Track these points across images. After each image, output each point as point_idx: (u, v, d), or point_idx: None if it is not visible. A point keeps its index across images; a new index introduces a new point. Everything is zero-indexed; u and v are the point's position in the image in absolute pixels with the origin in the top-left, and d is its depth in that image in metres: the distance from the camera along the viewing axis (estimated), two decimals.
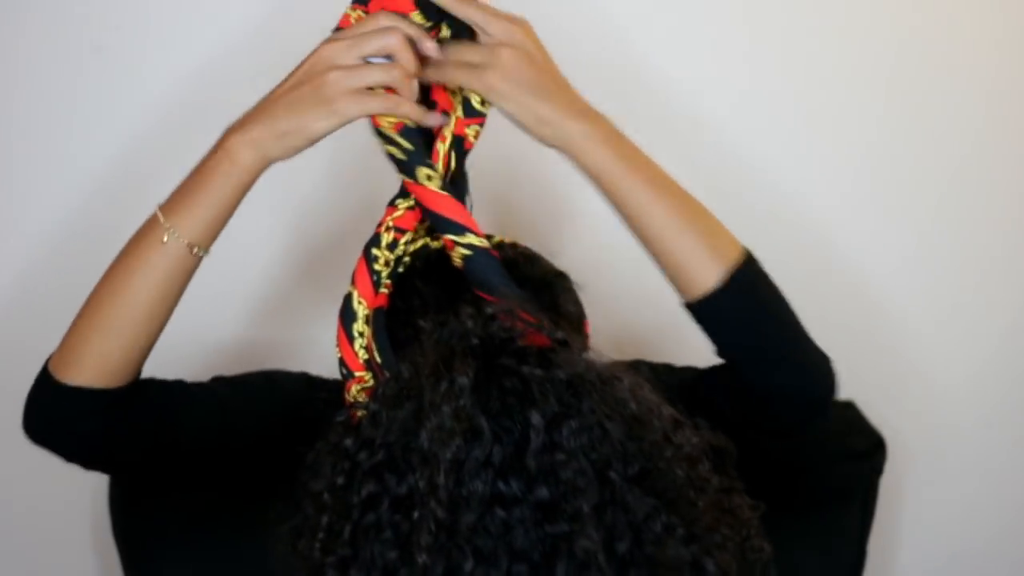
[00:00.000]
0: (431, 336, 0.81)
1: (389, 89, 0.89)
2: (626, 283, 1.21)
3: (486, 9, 0.90)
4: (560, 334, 0.81)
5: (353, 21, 0.93)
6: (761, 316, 0.91)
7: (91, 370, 0.89)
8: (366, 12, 0.93)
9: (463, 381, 0.76)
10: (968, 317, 1.48)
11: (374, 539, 0.77)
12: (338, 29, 0.93)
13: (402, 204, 0.94)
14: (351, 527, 0.78)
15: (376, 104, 0.88)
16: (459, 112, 0.93)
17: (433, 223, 0.92)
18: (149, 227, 0.91)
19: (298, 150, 0.89)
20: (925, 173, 1.44)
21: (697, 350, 0.95)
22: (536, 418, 0.76)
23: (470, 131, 0.93)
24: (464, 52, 0.90)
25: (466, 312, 0.81)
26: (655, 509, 0.78)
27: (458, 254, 0.90)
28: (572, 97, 0.91)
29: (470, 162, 0.95)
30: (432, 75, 0.91)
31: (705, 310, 0.90)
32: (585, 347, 0.90)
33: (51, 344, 0.94)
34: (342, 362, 0.92)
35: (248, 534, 0.99)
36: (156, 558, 1.06)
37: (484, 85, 0.89)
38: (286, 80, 0.90)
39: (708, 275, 0.89)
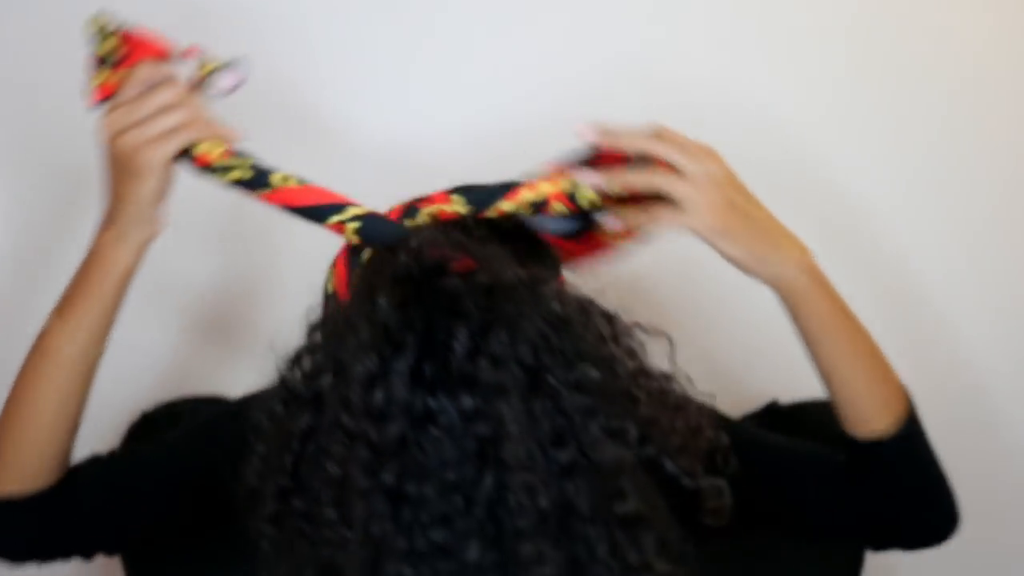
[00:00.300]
0: (365, 267, 0.85)
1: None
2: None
3: (680, 144, 0.90)
4: (486, 252, 0.83)
5: (116, 83, 0.93)
6: (915, 464, 0.96)
7: (12, 479, 0.93)
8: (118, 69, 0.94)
9: (382, 301, 0.79)
10: (971, 317, 1.48)
11: (312, 464, 0.79)
12: (103, 100, 0.94)
13: (335, 218, 0.93)
14: (291, 456, 0.80)
15: (177, 141, 0.90)
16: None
17: (311, 216, 0.93)
18: (43, 338, 0.94)
19: (150, 222, 0.93)
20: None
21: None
22: (460, 328, 0.78)
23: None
24: (660, 182, 0.90)
25: (400, 248, 0.84)
26: (591, 410, 0.79)
27: (350, 230, 0.91)
28: (780, 228, 0.93)
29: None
30: (631, 218, 0.91)
31: (869, 449, 0.94)
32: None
33: None
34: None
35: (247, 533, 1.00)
36: (156, 558, 1.06)
37: (698, 224, 0.90)
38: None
39: (879, 421, 0.94)
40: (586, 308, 0.82)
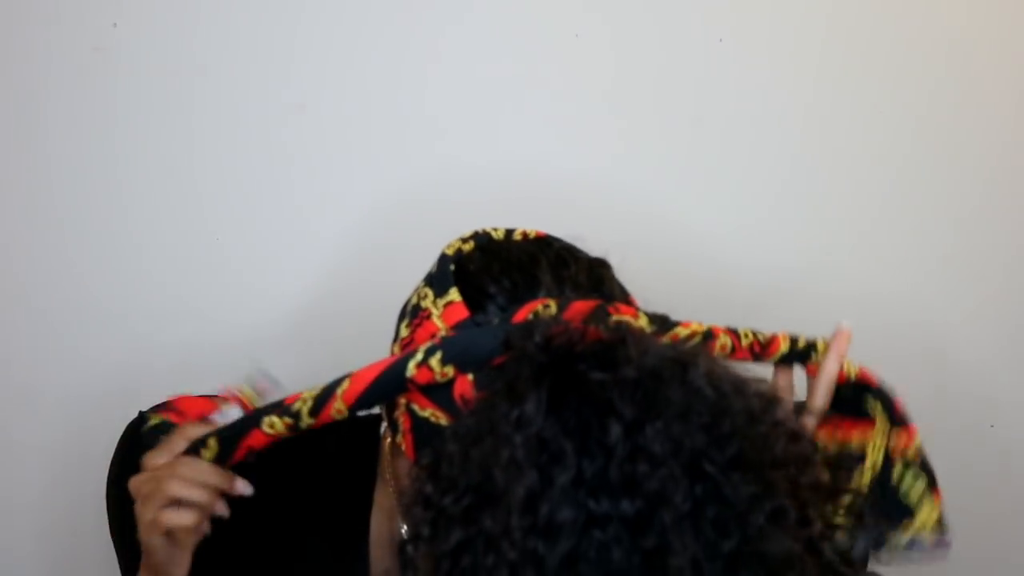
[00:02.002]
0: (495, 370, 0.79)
1: None
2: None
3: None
4: (618, 323, 0.80)
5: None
6: None
7: None
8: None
9: (530, 408, 0.72)
10: (971, 318, 1.48)
11: None
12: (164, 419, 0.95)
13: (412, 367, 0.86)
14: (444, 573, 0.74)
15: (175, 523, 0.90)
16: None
17: (388, 389, 0.86)
18: None
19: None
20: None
21: None
22: (615, 426, 0.71)
23: None
24: None
25: (523, 332, 0.77)
26: (756, 497, 0.72)
27: (437, 367, 0.85)
28: None
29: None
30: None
31: None
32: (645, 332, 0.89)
33: None
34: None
35: (246, 532, 0.99)
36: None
37: None
38: None
39: None
40: (739, 387, 0.76)
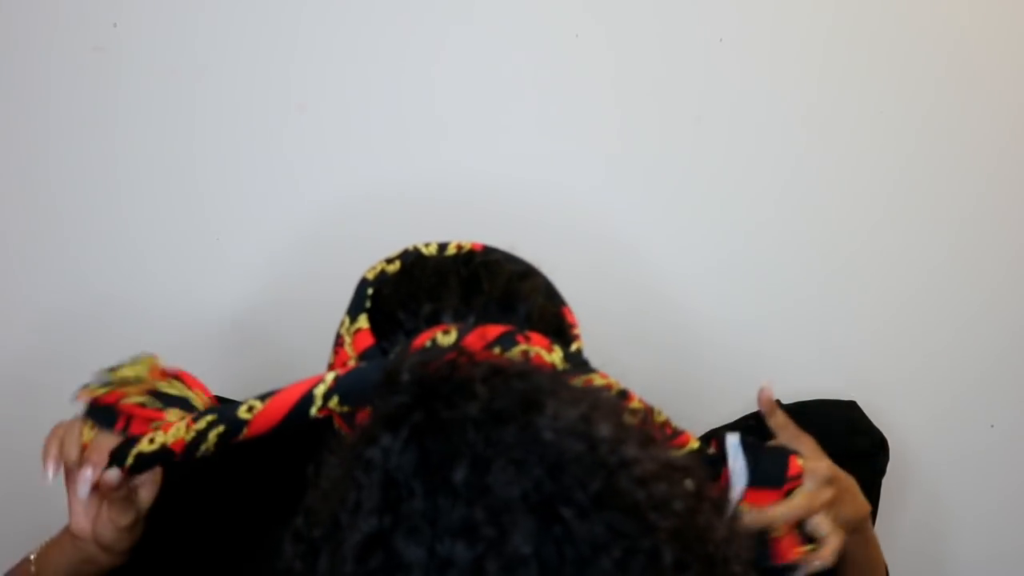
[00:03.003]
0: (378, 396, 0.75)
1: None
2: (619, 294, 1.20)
3: (817, 465, 0.94)
4: (482, 369, 0.73)
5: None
6: None
7: None
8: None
9: (384, 445, 0.70)
10: (971, 318, 1.48)
11: None
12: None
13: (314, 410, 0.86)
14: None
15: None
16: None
17: (294, 421, 0.86)
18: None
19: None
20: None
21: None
22: (458, 468, 0.68)
23: None
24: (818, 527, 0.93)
25: (397, 366, 0.74)
26: (600, 542, 0.67)
27: (335, 405, 0.85)
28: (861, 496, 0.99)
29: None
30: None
31: None
32: (571, 337, 0.90)
33: None
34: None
35: (247, 531, 1.00)
36: (156, 557, 1.06)
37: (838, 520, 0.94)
38: None
39: None
40: (583, 430, 0.70)
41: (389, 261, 0.95)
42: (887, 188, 1.45)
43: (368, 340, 0.89)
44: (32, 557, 0.98)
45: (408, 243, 0.99)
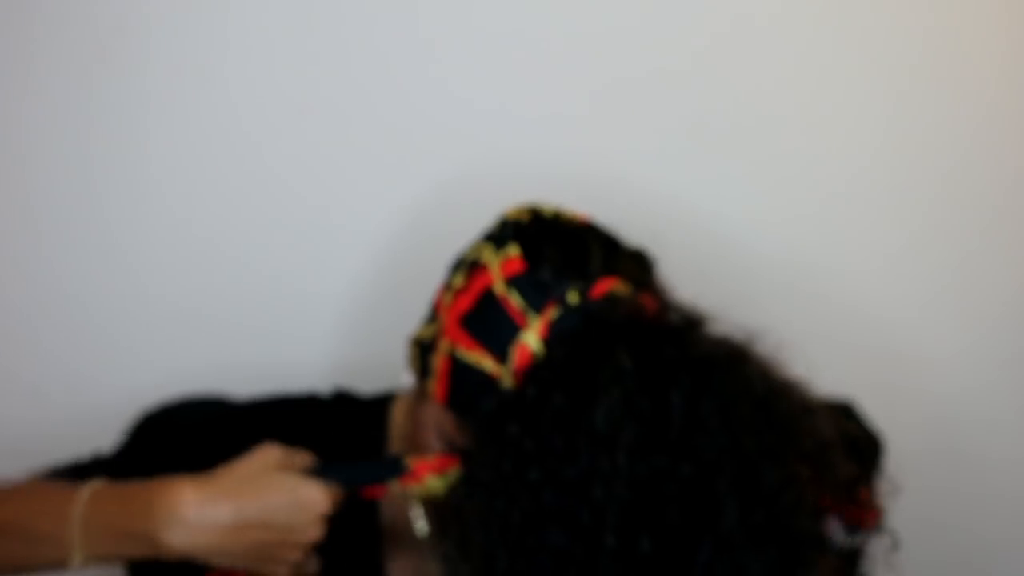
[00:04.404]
0: (579, 314, 0.86)
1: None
2: None
3: None
4: (681, 313, 0.87)
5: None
6: None
7: None
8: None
9: (627, 364, 0.81)
10: (971, 318, 1.49)
11: (546, 525, 0.80)
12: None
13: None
14: (520, 514, 0.81)
15: None
16: None
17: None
18: (57, 535, 0.89)
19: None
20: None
21: None
22: (676, 397, 0.80)
23: None
24: None
25: (603, 299, 0.87)
26: (788, 480, 0.82)
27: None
28: None
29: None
30: None
31: None
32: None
33: None
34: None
35: None
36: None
37: None
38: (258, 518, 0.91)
39: None
40: (785, 386, 0.86)
41: (519, 210, 0.99)
42: (886, 188, 1.45)
43: (520, 266, 0.91)
44: (77, 540, 0.89)
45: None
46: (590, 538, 0.79)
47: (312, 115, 1.33)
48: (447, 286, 0.96)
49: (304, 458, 0.93)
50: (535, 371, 0.85)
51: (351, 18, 1.32)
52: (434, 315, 0.97)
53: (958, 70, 1.43)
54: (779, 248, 1.43)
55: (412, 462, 0.91)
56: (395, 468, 0.92)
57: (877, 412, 1.04)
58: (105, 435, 1.11)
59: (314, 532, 0.90)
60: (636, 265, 0.96)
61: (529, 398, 0.83)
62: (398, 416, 1.03)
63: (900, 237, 1.46)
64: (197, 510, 0.88)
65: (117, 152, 1.30)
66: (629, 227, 0.99)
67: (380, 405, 1.05)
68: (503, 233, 0.95)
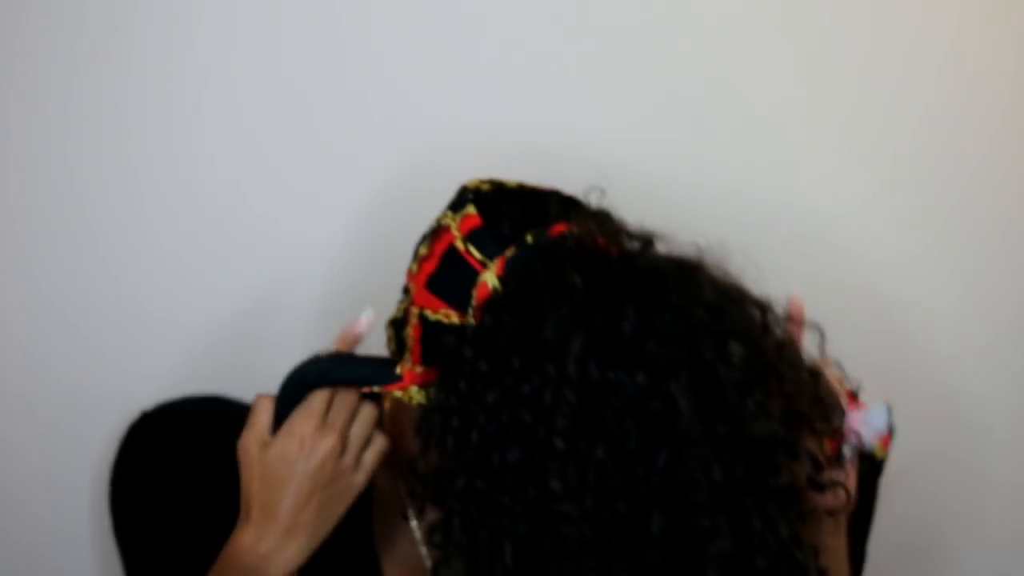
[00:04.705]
0: (533, 248, 0.88)
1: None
2: None
3: None
4: (635, 239, 0.89)
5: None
6: None
7: None
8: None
9: (576, 281, 0.82)
10: (971, 318, 1.49)
11: (502, 442, 0.81)
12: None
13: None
14: (478, 432, 0.82)
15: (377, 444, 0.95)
16: None
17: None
18: None
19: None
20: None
21: None
22: (628, 308, 0.82)
23: None
24: None
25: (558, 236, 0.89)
26: (747, 383, 0.82)
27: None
28: None
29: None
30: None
31: None
32: None
33: None
34: None
35: None
36: (157, 558, 1.06)
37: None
38: (296, 492, 0.93)
39: None
40: (741, 294, 0.87)
41: (480, 181, 1.01)
42: (885, 187, 1.45)
43: (476, 221, 0.93)
44: None
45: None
46: (543, 448, 0.80)
47: (301, 116, 1.33)
48: (414, 257, 0.98)
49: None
50: (490, 302, 0.87)
51: (322, 14, 1.32)
52: (405, 292, 0.98)
53: (983, 69, 1.44)
54: (802, 241, 1.43)
55: (403, 370, 0.93)
56: (389, 375, 0.93)
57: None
58: (95, 442, 1.11)
59: (335, 442, 0.92)
60: (596, 220, 0.98)
61: (484, 325, 0.86)
62: (390, 408, 1.03)
63: (926, 235, 1.47)
64: (260, 541, 0.93)
65: (99, 156, 1.31)
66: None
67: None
68: (461, 198, 0.98)
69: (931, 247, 1.47)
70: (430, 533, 0.88)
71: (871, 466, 1.16)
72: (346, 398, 0.94)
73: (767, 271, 0.94)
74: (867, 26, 1.42)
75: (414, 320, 0.94)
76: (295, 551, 0.92)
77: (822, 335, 0.95)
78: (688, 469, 0.80)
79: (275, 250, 1.35)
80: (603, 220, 0.97)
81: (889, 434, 1.00)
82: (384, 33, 1.33)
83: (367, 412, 0.95)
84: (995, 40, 1.45)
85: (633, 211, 1.21)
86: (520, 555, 0.82)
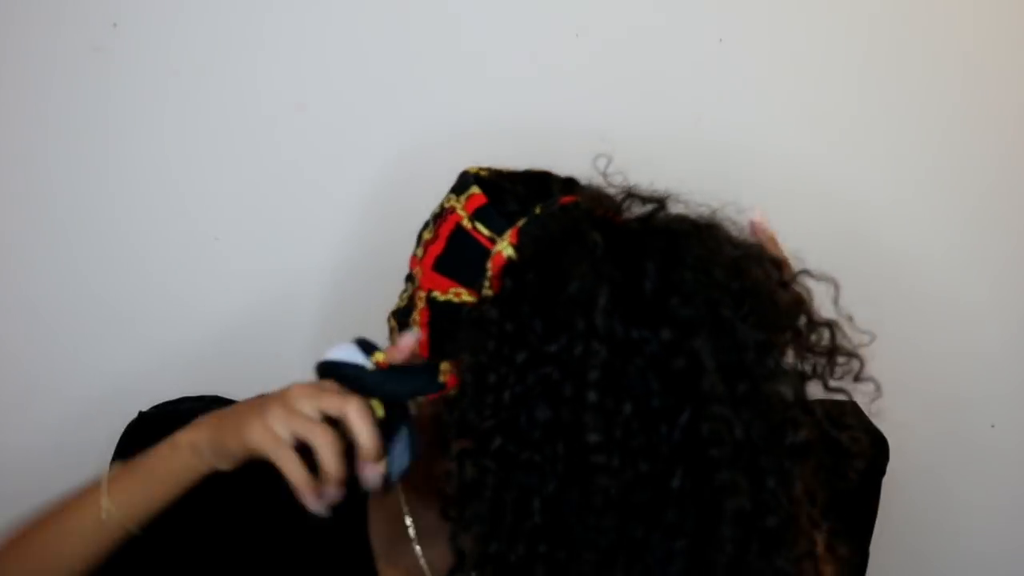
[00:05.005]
0: (545, 215, 0.89)
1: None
2: None
3: None
4: (650, 201, 0.89)
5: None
6: None
7: None
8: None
9: (596, 238, 0.82)
10: (972, 318, 1.49)
11: (533, 401, 0.81)
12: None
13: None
14: (509, 393, 0.82)
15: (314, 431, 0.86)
16: None
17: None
18: (91, 497, 0.92)
19: (236, 459, 0.89)
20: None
21: None
22: (649, 264, 0.82)
23: None
24: None
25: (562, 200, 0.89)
26: (766, 343, 0.82)
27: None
28: None
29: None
30: None
31: None
32: None
33: None
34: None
35: (246, 531, 1.01)
36: (156, 556, 1.06)
37: None
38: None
39: None
40: (759, 252, 0.87)
41: (480, 168, 1.00)
42: (885, 187, 1.45)
43: (482, 200, 0.93)
44: (104, 489, 0.93)
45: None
46: (575, 403, 0.80)
47: (299, 117, 1.33)
48: (418, 243, 0.98)
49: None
50: (509, 267, 0.87)
51: (322, 14, 1.32)
52: (408, 280, 0.97)
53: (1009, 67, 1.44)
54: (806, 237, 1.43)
55: (445, 377, 0.89)
56: (434, 384, 0.89)
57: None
58: (94, 443, 1.11)
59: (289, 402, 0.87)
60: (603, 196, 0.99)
61: (506, 289, 0.85)
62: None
63: (939, 235, 1.47)
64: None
65: (95, 156, 1.31)
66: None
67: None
68: (464, 181, 0.97)
69: (949, 246, 1.47)
70: (445, 505, 0.86)
71: (873, 468, 1.16)
72: (338, 401, 0.87)
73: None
74: (888, 26, 1.43)
75: (421, 304, 0.93)
76: (192, 432, 0.91)
77: (836, 288, 0.94)
78: (710, 426, 0.80)
79: (274, 252, 1.35)
80: (607, 195, 0.98)
81: None
82: (384, 33, 1.34)
83: (329, 434, 0.86)
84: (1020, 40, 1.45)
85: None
86: (547, 513, 0.81)
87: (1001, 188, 1.48)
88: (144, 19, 1.29)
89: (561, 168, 1.24)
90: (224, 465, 0.89)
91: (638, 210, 0.89)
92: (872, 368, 1.05)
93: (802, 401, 0.85)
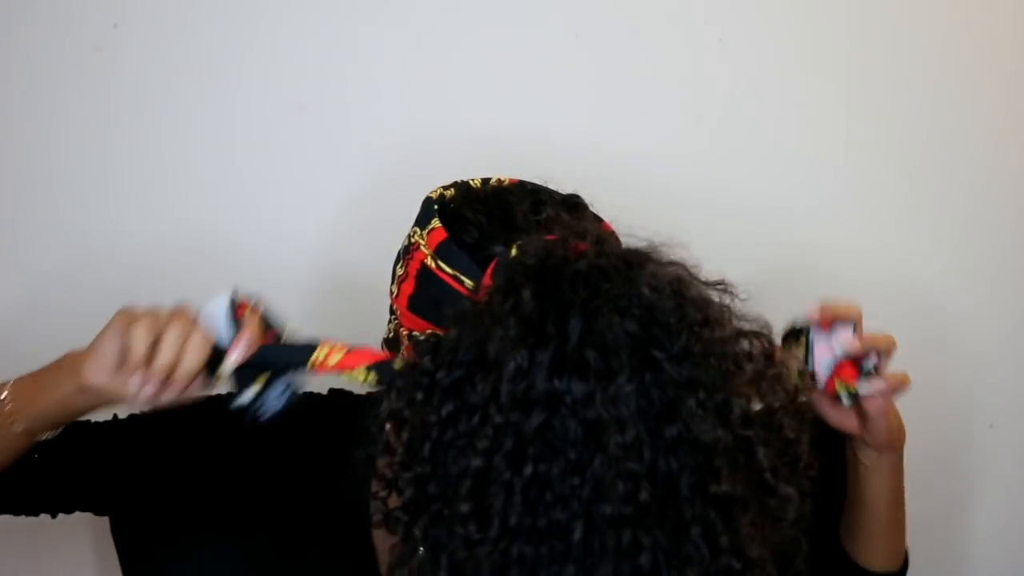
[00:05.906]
0: (498, 264, 0.88)
1: None
2: None
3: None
4: (591, 237, 0.87)
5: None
6: None
7: None
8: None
9: (526, 294, 0.81)
10: (971, 318, 1.49)
11: (452, 453, 0.80)
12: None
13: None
14: (430, 444, 0.81)
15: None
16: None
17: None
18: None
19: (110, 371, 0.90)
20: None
21: None
22: (574, 314, 0.81)
23: None
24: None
25: (521, 241, 0.88)
26: (691, 384, 0.80)
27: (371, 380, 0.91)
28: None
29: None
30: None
31: None
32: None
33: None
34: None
35: (246, 531, 1.02)
36: (156, 558, 1.06)
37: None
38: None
39: (888, 562, 1.08)
40: (680, 287, 0.84)
41: (445, 188, 1.01)
42: (885, 188, 1.45)
43: (442, 235, 0.95)
44: (5, 395, 0.95)
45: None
46: (485, 464, 0.80)
47: (305, 115, 1.33)
48: (392, 279, 0.99)
49: None
50: (456, 317, 0.86)
51: (321, 14, 1.33)
52: (391, 313, 0.99)
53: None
54: (803, 242, 1.43)
55: (323, 348, 0.91)
56: (305, 354, 0.91)
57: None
58: None
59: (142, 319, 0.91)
60: (566, 210, 0.98)
61: (447, 339, 0.84)
62: None
63: (933, 239, 1.48)
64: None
65: (90, 156, 1.31)
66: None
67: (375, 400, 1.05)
68: (427, 212, 0.98)
69: (948, 246, 1.48)
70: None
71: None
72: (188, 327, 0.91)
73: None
74: (888, 27, 1.43)
75: (405, 342, 0.96)
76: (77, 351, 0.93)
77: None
78: (617, 481, 0.78)
79: (273, 251, 1.35)
80: (570, 208, 0.98)
81: (854, 362, 0.99)
82: (384, 34, 1.34)
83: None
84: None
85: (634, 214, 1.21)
86: (455, 570, 0.81)
87: (1000, 188, 1.48)
88: (144, 19, 1.30)
89: (561, 168, 1.25)
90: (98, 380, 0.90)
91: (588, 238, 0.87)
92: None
93: (728, 448, 0.81)
